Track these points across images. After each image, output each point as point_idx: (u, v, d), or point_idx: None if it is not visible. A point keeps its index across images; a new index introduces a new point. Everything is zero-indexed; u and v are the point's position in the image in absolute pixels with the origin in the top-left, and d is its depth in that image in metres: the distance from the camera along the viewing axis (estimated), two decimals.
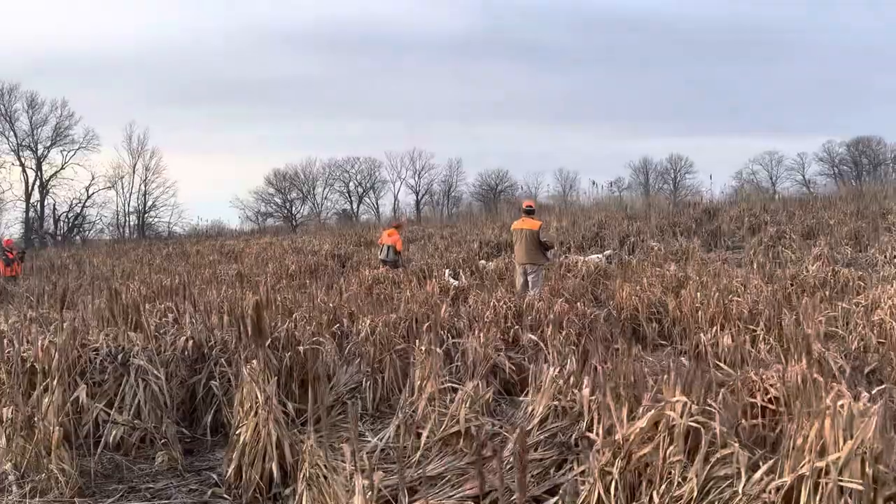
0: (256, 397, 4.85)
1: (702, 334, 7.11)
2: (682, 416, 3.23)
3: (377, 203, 69.55)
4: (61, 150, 52.02)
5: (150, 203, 55.56)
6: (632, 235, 18.48)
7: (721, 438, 3.21)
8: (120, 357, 6.08)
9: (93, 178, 52.70)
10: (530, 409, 4.48)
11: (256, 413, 4.85)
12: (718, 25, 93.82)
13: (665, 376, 4.00)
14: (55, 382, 5.46)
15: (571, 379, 4.50)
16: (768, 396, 4.31)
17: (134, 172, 54.73)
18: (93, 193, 52.88)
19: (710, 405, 3.57)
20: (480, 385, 4.95)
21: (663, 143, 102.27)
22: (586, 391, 4.26)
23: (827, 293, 8.51)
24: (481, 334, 6.18)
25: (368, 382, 6.52)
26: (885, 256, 10.94)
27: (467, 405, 4.80)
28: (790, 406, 4.18)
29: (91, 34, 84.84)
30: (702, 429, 3.22)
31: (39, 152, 51.54)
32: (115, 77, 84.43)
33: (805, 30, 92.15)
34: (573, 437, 4.15)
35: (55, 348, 5.78)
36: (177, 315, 8.20)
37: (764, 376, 4.42)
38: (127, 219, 54.47)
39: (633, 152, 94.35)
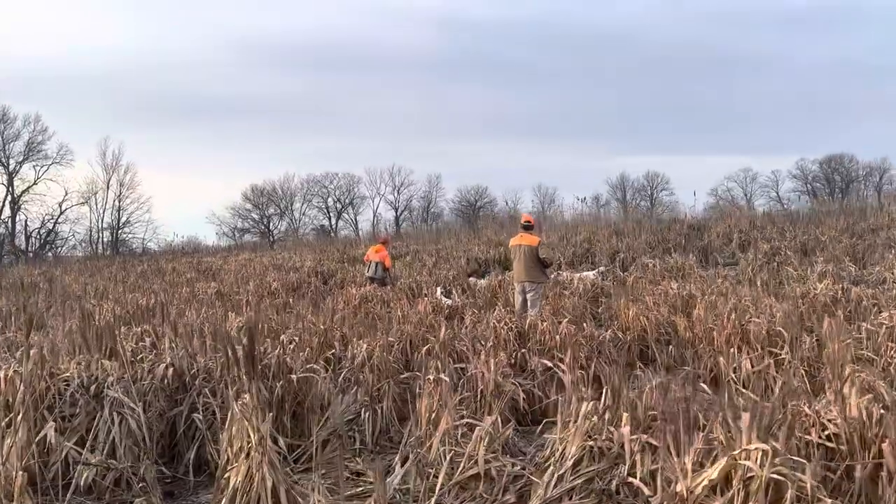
0: (248, 436, 4.31)
1: (721, 357, 6.66)
2: (761, 467, 2.75)
3: (356, 219, 68.90)
4: (34, 166, 50.75)
5: (124, 219, 54.47)
6: (621, 252, 18.12)
7: (811, 493, 2.74)
8: (93, 388, 5.50)
9: (66, 194, 51.49)
10: (561, 448, 3.97)
11: (248, 455, 4.30)
12: (691, 46, 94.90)
13: (716, 412, 3.54)
14: (19, 419, 4.87)
15: (607, 414, 4.00)
16: (826, 433, 3.86)
17: (108, 188, 53.62)
18: (66, 209, 51.70)
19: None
20: (499, 420, 4.44)
21: (640, 161, 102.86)
22: (626, 430, 3.78)
23: (840, 313, 8.12)
24: (491, 359, 5.66)
25: (367, 413, 5.98)
26: (893, 274, 10.63)
27: (485, 443, 4.30)
28: (852, 444, 3.74)
29: (66, 48, 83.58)
30: (787, 481, 2.74)
31: (11, 167, 50.28)
32: (91, 92, 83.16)
33: (775, 51, 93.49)
34: (614, 483, 3.65)
35: (20, 379, 5.20)
36: (154, 339, 7.63)
37: (819, 410, 3.96)
38: (100, 235, 53.33)
39: (610, 169, 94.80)
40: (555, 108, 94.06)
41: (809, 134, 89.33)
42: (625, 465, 3.68)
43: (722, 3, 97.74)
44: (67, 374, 5.60)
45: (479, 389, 5.60)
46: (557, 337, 7.56)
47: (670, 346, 8.09)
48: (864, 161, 69.14)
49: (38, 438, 4.92)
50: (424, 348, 7.31)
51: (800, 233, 17.18)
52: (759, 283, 10.55)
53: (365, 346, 6.78)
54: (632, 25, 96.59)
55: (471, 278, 14.82)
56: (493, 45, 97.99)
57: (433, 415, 5.01)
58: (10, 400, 5.17)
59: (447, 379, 5.09)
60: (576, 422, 4.08)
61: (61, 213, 51.50)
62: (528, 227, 10.10)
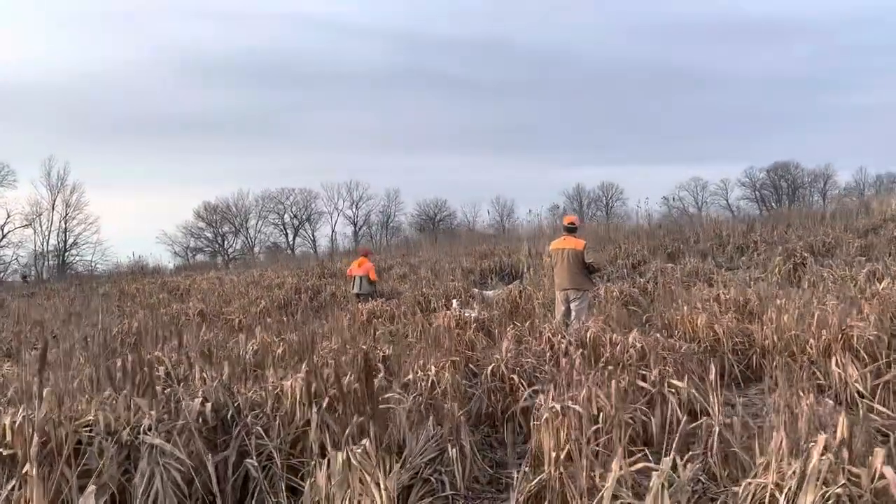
0: (369, 493, 3.29)
1: (836, 368, 5.87)
2: None
3: (314, 235, 67.39)
4: None
5: (70, 241, 51.96)
6: (619, 258, 17.42)
7: None
8: (125, 434, 4.39)
9: (8, 217, 48.94)
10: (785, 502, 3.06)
11: None
12: (633, 61, 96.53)
13: None
14: (34, 473, 3.79)
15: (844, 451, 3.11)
16: None
17: (53, 209, 51.12)
18: (8, 232, 49.07)
19: None
20: (678, 460, 3.51)
21: (595, 172, 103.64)
22: (890, 471, 2.89)
23: None
24: (613, 382, 4.72)
25: (454, 451, 4.98)
26: None
27: (667, 494, 3.36)
28: None
29: (4, 65, 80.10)
30: None
31: None
32: (33, 110, 79.77)
33: (717, 66, 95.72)
34: None
35: (32, 426, 4.09)
36: (168, 368, 6.50)
37: None
38: (46, 258, 50.67)
39: (566, 180, 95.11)
40: (507, 123, 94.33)
41: (755, 143, 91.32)
42: None
43: (662, 19, 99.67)
44: (90, 418, 4.48)
45: (600, 419, 4.64)
46: (632, 350, 6.68)
47: (752, 357, 7.30)
48: (808, 168, 71.04)
49: (58, 499, 3.82)
50: (489, 368, 6.37)
51: (807, 233, 16.74)
52: (805, 285, 9.88)
53: (434, 368, 5.76)
54: (572, 42, 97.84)
55: (474, 289, 13.88)
56: (442, 62, 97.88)
57: (560, 453, 4.07)
58: (21, 453, 4.07)
59: (578, 408, 4.15)
60: (788, 462, 3.17)
61: (3, 236, 48.90)
62: (571, 229, 9.19)
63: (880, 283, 8.87)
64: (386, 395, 4.85)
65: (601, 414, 4.61)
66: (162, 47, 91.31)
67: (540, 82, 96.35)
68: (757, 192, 75.47)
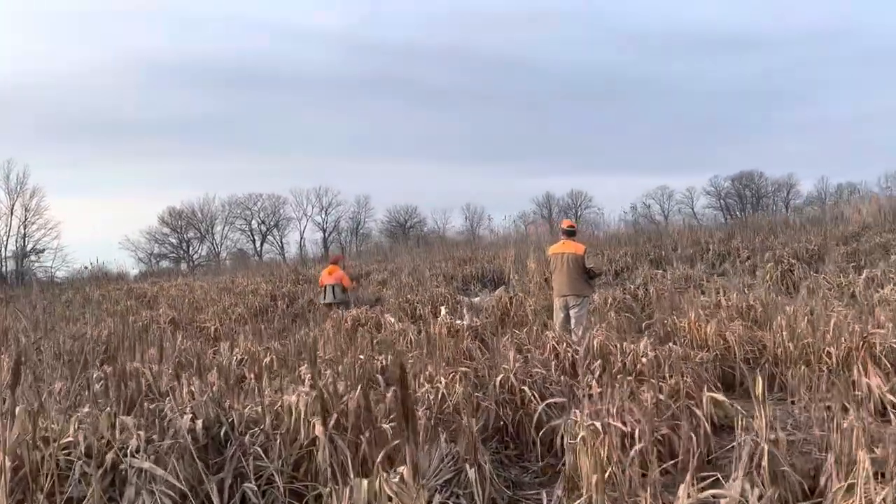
0: None
1: (864, 378, 5.58)
2: None
3: (282, 241, 66.35)
4: None
5: (30, 246, 50.28)
6: (603, 265, 17.14)
7: None
8: (109, 457, 3.89)
9: None
10: None
11: None
12: (602, 73, 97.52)
13: None
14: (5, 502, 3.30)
15: None
16: None
17: (12, 214, 49.42)
18: None
19: None
20: (747, 485, 3.13)
21: (564, 181, 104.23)
22: None
23: None
24: (647, 396, 4.34)
25: (473, 471, 4.55)
26: None
27: None
28: None
29: None
30: None
31: None
32: None
33: (682, 76, 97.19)
34: None
35: (3, 450, 3.59)
36: (150, 380, 5.98)
37: None
38: (3, 264, 48.94)
39: (535, 188, 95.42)
40: (476, 130, 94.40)
41: (720, 153, 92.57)
42: None
43: (626, 30, 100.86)
44: (69, 439, 3.97)
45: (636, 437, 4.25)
46: (644, 359, 6.32)
47: (765, 366, 6.99)
48: (772, 177, 72.17)
49: None
50: (497, 378, 5.95)
51: (792, 240, 16.66)
52: (804, 292, 9.66)
53: (444, 381, 5.33)
54: (538, 52, 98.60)
55: (461, 297, 13.46)
56: (410, 69, 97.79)
57: (602, 476, 3.67)
58: None
59: (621, 425, 3.76)
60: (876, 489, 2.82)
61: None
62: (570, 233, 8.83)
63: (882, 290, 8.68)
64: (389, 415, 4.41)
65: (636, 431, 4.22)
66: (122, 50, 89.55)
67: (507, 91, 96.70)
68: (722, 201, 76.37)
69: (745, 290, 10.78)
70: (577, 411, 4.17)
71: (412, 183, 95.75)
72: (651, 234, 20.77)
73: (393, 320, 11.02)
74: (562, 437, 5.35)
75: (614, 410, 4.20)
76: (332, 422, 4.26)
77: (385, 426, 4.30)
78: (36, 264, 50.35)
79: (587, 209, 72.90)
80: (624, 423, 4.33)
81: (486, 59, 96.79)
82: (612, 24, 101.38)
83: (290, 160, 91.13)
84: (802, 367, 6.64)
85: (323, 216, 67.00)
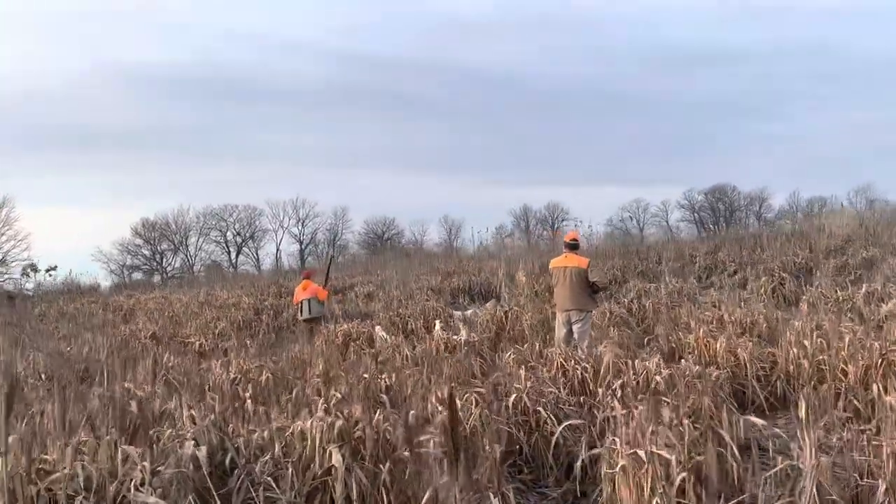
0: None
1: (886, 398, 5.41)
2: None
3: (257, 253, 65.52)
4: None
5: None
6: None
7: None
8: (111, 490, 3.57)
9: None
10: None
11: None
12: (578, 86, 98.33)
13: None
14: None
15: None
16: None
17: None
18: None
19: None
20: None
21: (541, 192, 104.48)
22: None
23: None
24: (685, 423, 4.11)
25: (497, 500, 4.29)
26: None
27: None
28: None
29: None
30: None
31: None
32: None
33: (657, 90, 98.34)
34: None
35: None
36: (141, 402, 5.63)
37: None
38: None
39: (512, 201, 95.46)
40: (453, 143, 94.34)
41: (696, 166, 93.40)
42: None
43: (605, 43, 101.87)
44: (66, 471, 3.64)
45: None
46: (658, 378, 6.11)
47: (776, 383, 6.85)
48: (745, 191, 72.96)
49: None
50: (510, 399, 5.70)
51: (779, 253, 16.66)
52: (804, 306, 9.56)
53: (458, 402, 5.07)
54: (515, 66, 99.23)
55: (453, 311, 13.21)
56: (389, 81, 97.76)
57: None
58: None
59: (665, 453, 3.52)
60: None
61: None
62: (573, 246, 8.62)
63: (884, 304, 8.60)
64: (424, 437, 4.13)
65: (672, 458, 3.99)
66: (96, 59, 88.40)
67: (486, 103, 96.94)
68: (696, 214, 77.01)
69: (742, 304, 10.65)
70: (616, 437, 3.92)
71: (390, 195, 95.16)
72: (638, 248, 20.69)
73: (384, 335, 10.74)
74: (583, 462, 5.14)
75: (658, 438, 3.95)
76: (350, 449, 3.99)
77: (405, 454, 4.03)
78: (5, 276, 49.22)
79: (564, 221, 73.06)
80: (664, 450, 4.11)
81: (464, 71, 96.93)
82: (590, 38, 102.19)
83: (267, 171, 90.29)
84: (820, 385, 6.50)
85: (300, 228, 66.33)
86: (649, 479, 3.47)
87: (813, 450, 3.87)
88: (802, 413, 3.97)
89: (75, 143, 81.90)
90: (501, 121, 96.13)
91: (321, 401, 4.56)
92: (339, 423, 4.08)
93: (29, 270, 39.32)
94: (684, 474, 3.61)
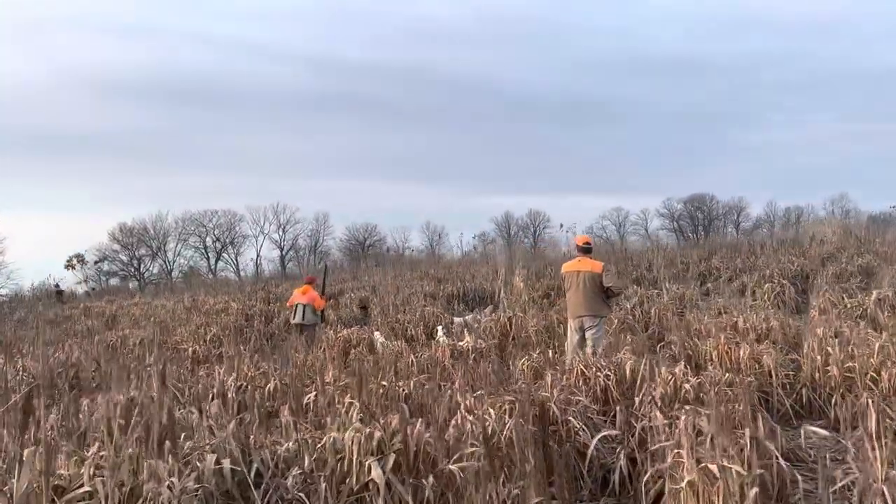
0: None
1: None
2: None
3: (237, 259, 64.75)
4: None
5: None
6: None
7: None
8: None
9: None
10: None
11: None
12: (557, 95, 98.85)
13: None
14: None
15: None
16: None
17: None
18: None
19: None
20: None
21: (523, 200, 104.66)
22: None
23: None
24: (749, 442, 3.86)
25: None
26: None
27: None
28: None
29: None
30: None
31: None
32: None
33: (637, 100, 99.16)
34: None
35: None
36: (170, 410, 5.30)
37: None
38: None
39: (494, 208, 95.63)
40: (435, 150, 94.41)
41: (674, 175, 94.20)
42: None
43: (584, 53, 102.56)
44: (86, 488, 3.32)
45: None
46: (687, 385, 5.89)
47: (801, 391, 6.66)
48: (723, 201, 73.63)
49: None
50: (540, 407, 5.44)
51: (773, 260, 16.60)
52: (815, 313, 9.43)
53: (492, 412, 4.80)
54: (493, 74, 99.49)
55: (454, 317, 12.91)
56: (370, 87, 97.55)
57: None
58: None
59: (741, 468, 3.28)
60: None
61: None
62: (586, 250, 8.37)
63: None
64: (469, 450, 3.86)
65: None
66: (67, 63, 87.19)
67: (467, 110, 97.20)
68: (675, 223, 77.53)
69: (748, 310, 10.49)
70: (680, 450, 3.67)
71: (372, 201, 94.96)
72: (632, 254, 20.59)
73: (384, 340, 10.45)
74: (620, 473, 4.90)
75: (731, 450, 3.69)
76: (391, 462, 3.70)
77: (452, 467, 3.75)
78: None
79: (546, 228, 73.12)
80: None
81: (445, 79, 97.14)
82: (568, 48, 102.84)
83: (247, 177, 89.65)
84: (848, 393, 6.32)
85: (280, 234, 65.77)
86: (721, 497, 3.22)
87: (885, 463, 3.66)
88: (872, 425, 3.74)
89: (53, 150, 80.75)
90: (482, 129, 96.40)
91: (355, 411, 4.26)
92: (377, 434, 3.79)
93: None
94: (756, 489, 3.36)
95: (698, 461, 3.43)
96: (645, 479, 4.69)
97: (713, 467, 3.33)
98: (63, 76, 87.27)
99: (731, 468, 3.32)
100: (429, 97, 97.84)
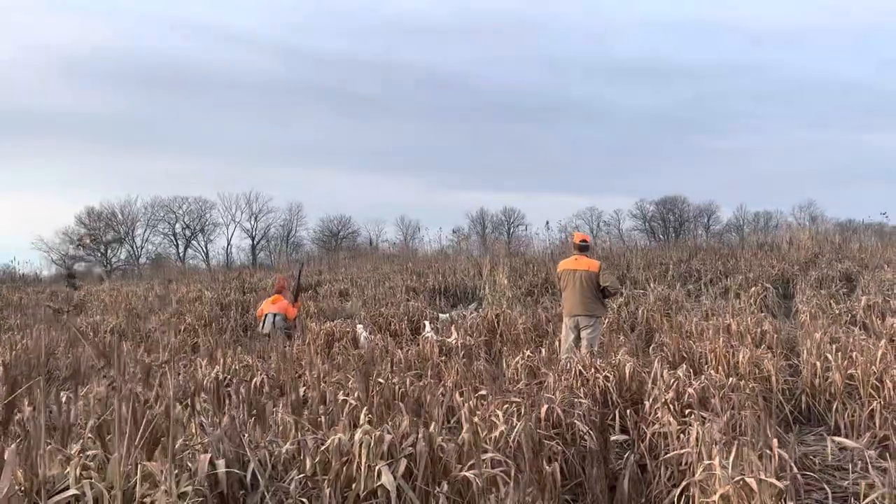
0: None
1: None
2: None
3: (206, 247, 63.77)
4: None
5: None
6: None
7: None
8: None
9: None
10: None
11: None
12: (532, 93, 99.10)
13: None
14: None
15: None
16: None
17: None
18: None
19: None
20: None
21: (497, 197, 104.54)
22: None
23: None
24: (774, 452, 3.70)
25: None
26: None
27: None
28: None
29: None
30: None
31: None
32: None
33: (611, 101, 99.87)
34: None
35: None
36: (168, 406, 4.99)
37: None
38: None
39: (469, 204, 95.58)
40: (409, 144, 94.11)
41: (647, 177, 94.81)
42: None
43: (559, 52, 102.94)
44: (72, 491, 3.03)
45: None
46: (691, 389, 5.72)
47: (802, 398, 6.56)
48: (694, 203, 74.33)
49: None
50: (542, 410, 5.23)
51: (752, 263, 16.63)
52: (803, 317, 9.38)
53: (500, 413, 4.58)
54: (470, 70, 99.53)
55: (438, 313, 12.69)
56: (343, 79, 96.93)
57: None
58: None
59: (776, 480, 3.10)
60: None
61: None
62: (583, 248, 8.19)
63: (886, 318, 8.46)
64: (487, 455, 3.63)
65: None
66: (32, 41, 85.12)
67: (442, 106, 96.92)
68: (647, 224, 78.12)
69: (735, 313, 10.41)
70: (713, 462, 3.48)
71: (346, 193, 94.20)
72: (608, 253, 20.52)
73: (367, 334, 10.19)
74: (628, 479, 4.71)
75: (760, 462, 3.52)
76: (402, 468, 3.46)
77: (467, 474, 3.52)
78: None
79: (520, 226, 73.14)
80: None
81: (419, 73, 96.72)
82: (544, 47, 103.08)
83: (220, 164, 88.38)
84: (848, 399, 6.23)
85: (252, 223, 64.86)
86: None
87: None
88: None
89: (13, 129, 78.83)
90: (458, 126, 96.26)
91: (363, 412, 4.01)
92: (388, 437, 3.54)
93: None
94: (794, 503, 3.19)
95: (731, 474, 3.24)
96: (658, 488, 4.54)
97: (751, 481, 3.15)
98: (29, 53, 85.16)
99: (769, 481, 3.14)
100: (405, 92, 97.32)
